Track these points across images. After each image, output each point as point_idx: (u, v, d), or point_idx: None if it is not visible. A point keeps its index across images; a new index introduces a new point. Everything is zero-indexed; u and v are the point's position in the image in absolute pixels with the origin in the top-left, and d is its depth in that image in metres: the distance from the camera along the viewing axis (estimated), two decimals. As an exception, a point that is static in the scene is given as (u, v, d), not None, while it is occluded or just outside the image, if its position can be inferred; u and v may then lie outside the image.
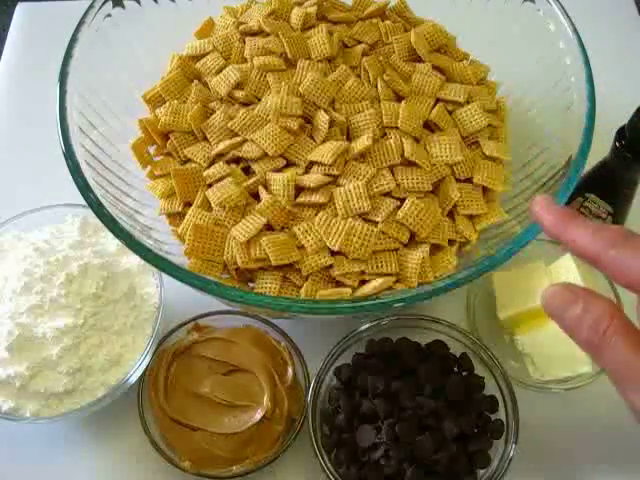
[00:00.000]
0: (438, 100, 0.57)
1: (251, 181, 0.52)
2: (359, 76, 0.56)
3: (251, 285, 0.52)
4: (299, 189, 0.51)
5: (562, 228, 0.32)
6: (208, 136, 0.55)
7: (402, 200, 0.50)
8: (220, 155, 0.54)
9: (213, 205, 0.51)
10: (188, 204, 0.54)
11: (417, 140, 0.53)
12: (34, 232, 0.60)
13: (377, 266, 0.49)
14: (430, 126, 0.56)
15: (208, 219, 0.51)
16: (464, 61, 0.62)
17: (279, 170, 0.52)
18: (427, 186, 0.51)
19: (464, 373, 0.56)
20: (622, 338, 0.28)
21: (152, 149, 0.59)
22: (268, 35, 0.58)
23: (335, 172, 0.50)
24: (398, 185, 0.51)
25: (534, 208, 0.34)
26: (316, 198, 0.50)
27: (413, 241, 0.51)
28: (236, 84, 0.55)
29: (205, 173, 0.53)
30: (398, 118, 0.53)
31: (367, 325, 0.56)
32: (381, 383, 0.52)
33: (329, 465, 0.51)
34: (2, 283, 0.56)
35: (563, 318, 0.30)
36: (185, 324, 0.58)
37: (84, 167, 0.48)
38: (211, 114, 0.56)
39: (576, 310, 0.30)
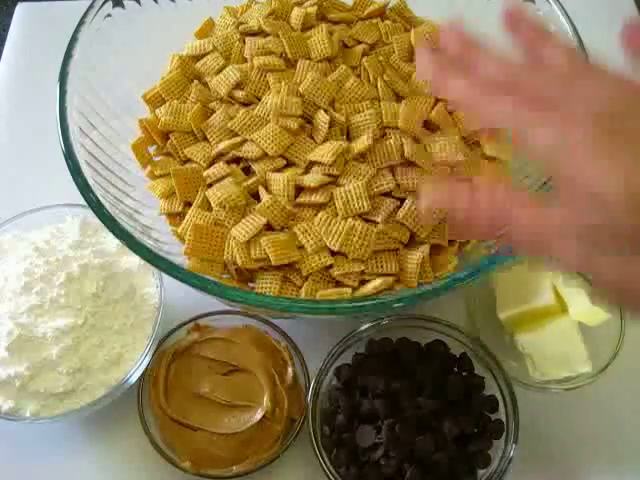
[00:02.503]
0: (438, 100, 0.57)
1: (251, 181, 0.52)
2: (359, 76, 0.56)
3: (251, 285, 0.52)
4: (299, 189, 0.51)
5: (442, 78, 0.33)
6: (208, 136, 0.55)
7: (402, 200, 0.50)
8: (220, 155, 0.54)
9: (213, 205, 0.51)
10: (188, 204, 0.54)
11: (417, 140, 0.53)
12: (34, 232, 0.60)
13: (377, 266, 0.49)
14: (430, 126, 0.56)
15: (208, 219, 0.51)
16: (464, 61, 0.61)
17: (279, 170, 0.52)
18: (427, 186, 0.51)
19: (464, 373, 0.56)
20: None
21: (152, 149, 0.59)
22: (268, 35, 0.58)
23: (335, 172, 0.50)
24: (398, 185, 0.51)
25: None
26: (316, 198, 0.50)
27: (413, 241, 0.51)
28: (236, 84, 0.55)
29: (205, 173, 0.53)
30: (398, 118, 0.53)
31: (367, 325, 0.56)
32: (381, 383, 0.52)
33: (329, 465, 0.51)
34: (2, 283, 0.56)
35: None
36: (185, 324, 0.58)
37: (84, 167, 0.48)
38: (211, 114, 0.56)
39: None
